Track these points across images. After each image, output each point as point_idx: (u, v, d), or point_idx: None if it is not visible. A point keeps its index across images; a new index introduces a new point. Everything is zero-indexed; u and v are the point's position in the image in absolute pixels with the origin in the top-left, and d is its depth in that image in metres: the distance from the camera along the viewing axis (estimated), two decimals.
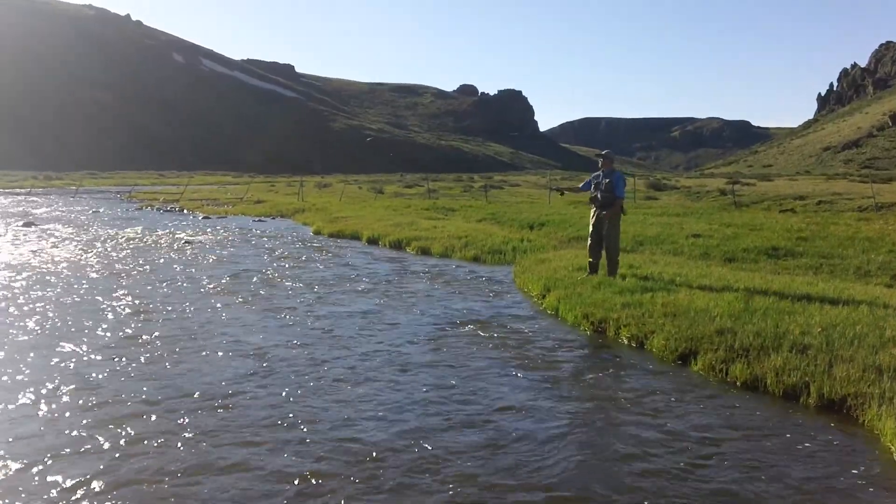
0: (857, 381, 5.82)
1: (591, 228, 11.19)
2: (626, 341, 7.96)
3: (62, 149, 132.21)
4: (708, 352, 6.93)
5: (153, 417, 5.51)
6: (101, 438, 5.08)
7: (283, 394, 6.09)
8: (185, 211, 32.76)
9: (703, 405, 5.92)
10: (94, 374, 6.59)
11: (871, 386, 5.69)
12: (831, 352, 6.47)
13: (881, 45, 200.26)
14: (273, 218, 28.66)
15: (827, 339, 6.80)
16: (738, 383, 6.41)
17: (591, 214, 11.21)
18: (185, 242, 18.42)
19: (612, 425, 5.51)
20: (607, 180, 10.90)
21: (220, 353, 7.39)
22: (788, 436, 5.27)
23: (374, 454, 4.84)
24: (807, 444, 5.12)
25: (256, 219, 28.02)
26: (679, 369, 6.97)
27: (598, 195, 10.96)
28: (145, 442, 5.03)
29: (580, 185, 11.97)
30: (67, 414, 5.56)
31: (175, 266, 13.94)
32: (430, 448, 4.96)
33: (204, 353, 7.38)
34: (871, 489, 4.46)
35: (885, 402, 5.37)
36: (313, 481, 4.45)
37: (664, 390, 6.32)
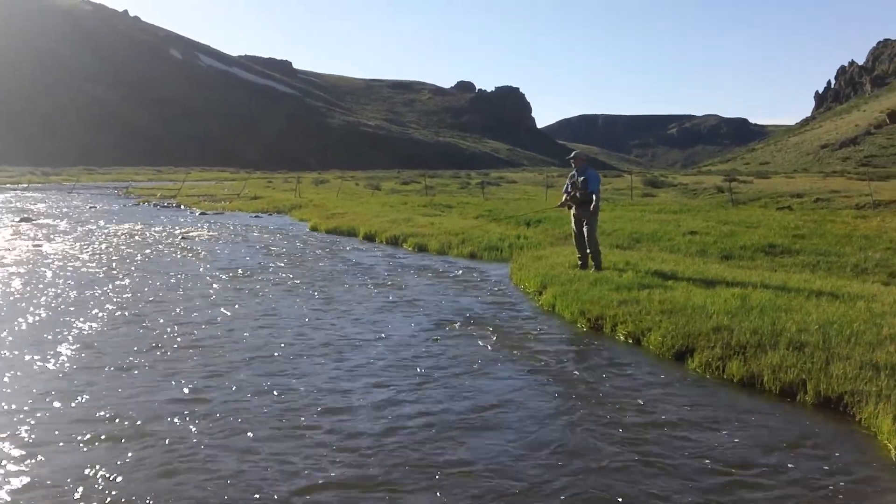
0: (853, 378, 5.82)
1: (572, 226, 11.66)
2: (622, 338, 7.94)
3: (59, 145, 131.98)
4: (704, 349, 6.91)
5: (141, 417, 5.49)
6: (77, 438, 5.06)
7: (284, 381, 6.08)
8: (183, 207, 32.68)
9: (699, 403, 5.90)
10: (79, 373, 6.56)
11: (868, 383, 5.68)
12: (828, 349, 6.46)
13: (879, 43, 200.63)
14: (270, 214, 28.62)
15: (824, 336, 6.79)
16: (734, 381, 6.39)
17: (571, 213, 11.66)
18: (182, 238, 18.37)
19: (606, 422, 5.48)
20: (582, 178, 11.32)
21: (215, 348, 7.37)
22: (785, 433, 5.26)
23: (366, 448, 4.84)
24: (803, 442, 5.10)
25: (253, 215, 27.97)
26: (676, 366, 6.95)
27: (577, 194, 11.41)
28: (128, 441, 5.01)
29: (564, 192, 11.89)
30: (54, 409, 5.54)
31: (171, 261, 13.90)
32: (420, 443, 4.95)
33: (200, 347, 7.36)
34: (868, 487, 4.45)
35: (882, 400, 5.36)
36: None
37: (660, 387, 6.30)
